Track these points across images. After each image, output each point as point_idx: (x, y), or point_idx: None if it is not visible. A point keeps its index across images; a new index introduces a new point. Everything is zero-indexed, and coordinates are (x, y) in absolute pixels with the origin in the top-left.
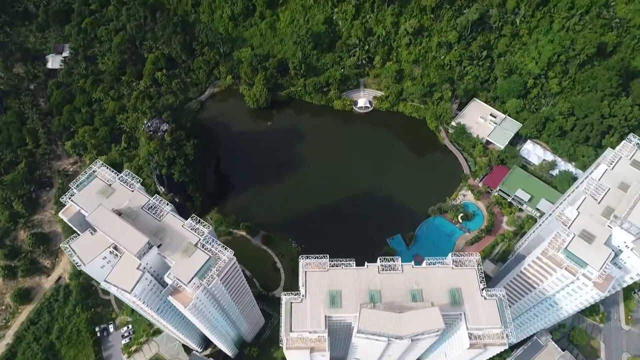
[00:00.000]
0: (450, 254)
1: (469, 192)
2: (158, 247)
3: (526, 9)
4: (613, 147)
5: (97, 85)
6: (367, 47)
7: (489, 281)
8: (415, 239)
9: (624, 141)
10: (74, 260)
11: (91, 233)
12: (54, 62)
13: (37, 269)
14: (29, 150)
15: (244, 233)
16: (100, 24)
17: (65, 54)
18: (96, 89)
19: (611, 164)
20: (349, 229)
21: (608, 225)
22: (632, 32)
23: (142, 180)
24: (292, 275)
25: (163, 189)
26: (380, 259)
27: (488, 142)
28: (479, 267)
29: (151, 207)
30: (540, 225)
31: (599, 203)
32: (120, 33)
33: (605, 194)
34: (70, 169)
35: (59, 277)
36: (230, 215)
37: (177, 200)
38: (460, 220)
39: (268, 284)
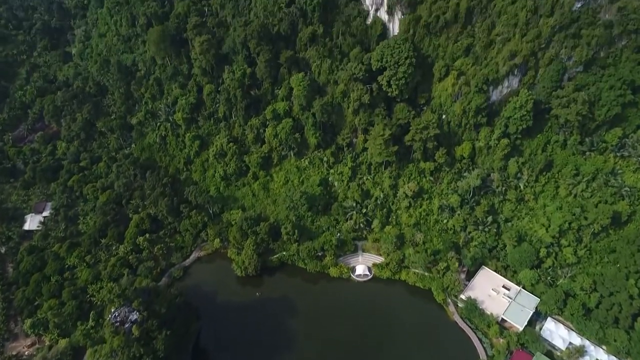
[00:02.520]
0: None
1: None
2: None
3: (529, 173)
4: None
5: (73, 250)
6: (364, 210)
7: None
8: None
9: None
10: None
11: None
12: (32, 222)
13: None
14: None
15: None
16: (88, 182)
17: (46, 213)
18: (72, 253)
19: None
20: None
21: None
22: None
23: None
24: None
25: None
26: None
27: (504, 320)
28: None
29: None
30: None
31: None
32: (107, 191)
33: None
34: (26, 353)
35: None
36: None
37: None
38: None
39: None
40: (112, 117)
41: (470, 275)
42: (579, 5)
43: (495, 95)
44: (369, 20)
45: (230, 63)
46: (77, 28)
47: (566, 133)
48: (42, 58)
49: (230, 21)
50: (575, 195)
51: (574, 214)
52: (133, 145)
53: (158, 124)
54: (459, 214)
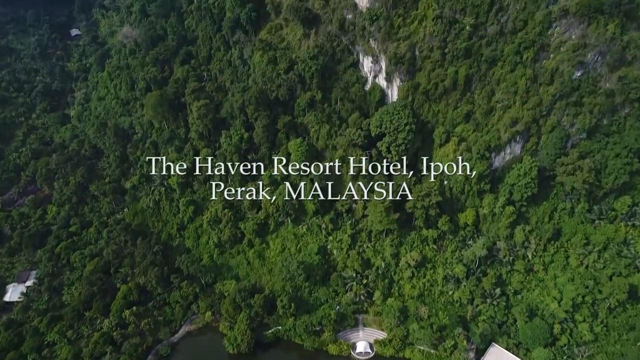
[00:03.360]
0: None
1: None
2: None
3: (537, 242)
4: None
5: (55, 324)
6: (365, 281)
7: None
8: None
9: None
10: None
11: None
12: (13, 293)
13: None
14: None
15: None
16: (77, 248)
17: (29, 282)
18: (52, 328)
19: None
20: None
21: None
22: None
23: None
24: None
25: None
26: None
27: None
28: None
29: None
30: None
31: None
32: (95, 259)
33: None
34: None
35: None
36: None
37: None
38: None
39: None
40: (106, 180)
41: (480, 353)
42: (578, 74)
43: (497, 162)
44: (368, 87)
45: (228, 127)
46: (77, 90)
47: (573, 200)
48: (40, 120)
49: (229, 86)
50: (587, 266)
51: (587, 287)
52: (125, 210)
53: (152, 188)
54: (465, 285)
